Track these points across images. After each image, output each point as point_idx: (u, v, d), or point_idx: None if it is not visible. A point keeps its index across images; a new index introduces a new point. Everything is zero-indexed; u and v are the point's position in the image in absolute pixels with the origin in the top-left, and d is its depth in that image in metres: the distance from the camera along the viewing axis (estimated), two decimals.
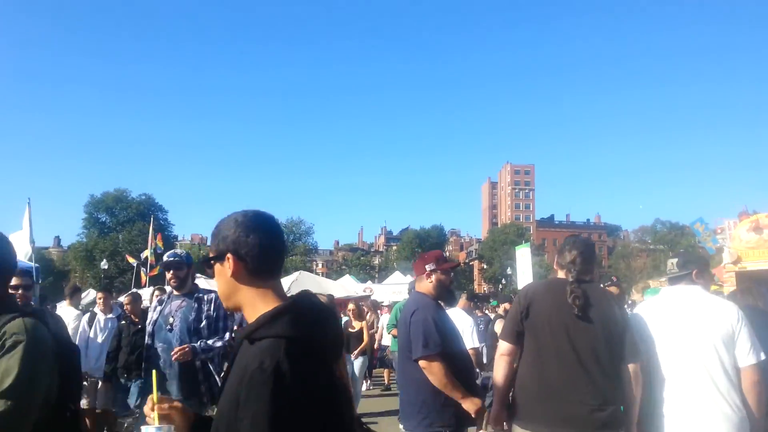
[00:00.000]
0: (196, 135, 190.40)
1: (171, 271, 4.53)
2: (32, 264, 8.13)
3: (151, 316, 4.72)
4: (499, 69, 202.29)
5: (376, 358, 15.37)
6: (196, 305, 4.51)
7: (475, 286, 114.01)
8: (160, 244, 26.95)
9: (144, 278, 29.57)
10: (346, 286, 18.79)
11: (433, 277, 3.78)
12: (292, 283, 16.01)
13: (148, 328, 4.67)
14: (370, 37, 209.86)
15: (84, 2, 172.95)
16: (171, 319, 4.47)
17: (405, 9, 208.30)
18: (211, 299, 4.57)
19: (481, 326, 9.74)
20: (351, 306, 9.90)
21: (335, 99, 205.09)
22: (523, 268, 13.76)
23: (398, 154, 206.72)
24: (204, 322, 4.48)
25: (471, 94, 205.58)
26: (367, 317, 11.51)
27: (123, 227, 73.21)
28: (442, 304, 3.89)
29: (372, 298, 18.66)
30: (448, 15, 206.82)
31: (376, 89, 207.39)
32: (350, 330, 9.30)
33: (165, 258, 4.65)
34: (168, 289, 5.45)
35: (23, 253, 8.37)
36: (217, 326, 4.55)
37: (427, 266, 3.80)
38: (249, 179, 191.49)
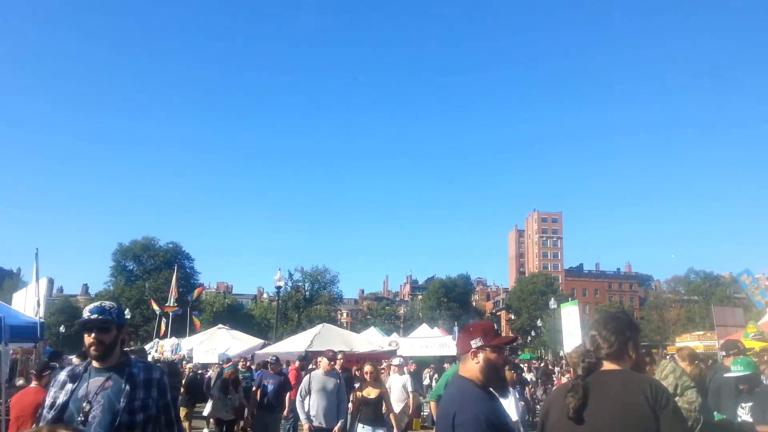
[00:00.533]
0: (223, 185, 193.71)
1: (92, 333, 3.10)
2: (37, 320, 7.82)
3: (53, 396, 3.09)
4: (525, 116, 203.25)
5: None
6: (127, 387, 3.09)
7: None
8: (195, 294, 26.66)
9: (163, 328, 29.31)
10: (370, 339, 18.18)
11: (481, 357, 2.95)
12: (315, 336, 15.51)
13: (46, 414, 3.04)
14: (399, 81, 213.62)
15: (102, 59, 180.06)
16: (86, 406, 3.00)
17: (435, 53, 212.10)
18: (153, 378, 3.22)
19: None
20: (368, 368, 8.22)
21: (363, 147, 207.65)
22: (570, 329, 12.35)
23: (425, 201, 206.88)
24: (140, 414, 3.06)
25: (499, 139, 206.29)
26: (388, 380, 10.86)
27: (150, 275, 73.77)
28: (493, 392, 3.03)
29: (398, 354, 17.98)
30: (475, 58, 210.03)
31: (405, 135, 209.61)
32: (364, 396, 7.99)
33: (84, 313, 3.16)
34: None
35: (30, 307, 8.10)
36: (160, 417, 3.19)
37: (472, 342, 2.98)
38: (275, 228, 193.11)
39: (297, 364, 12.67)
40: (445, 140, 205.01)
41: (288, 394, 10.85)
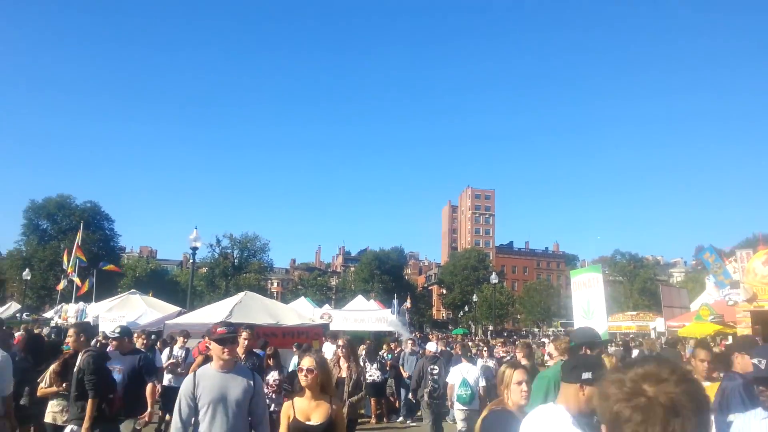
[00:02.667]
0: (147, 142, 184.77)
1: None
2: None
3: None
4: (463, 91, 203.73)
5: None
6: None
7: (434, 312, 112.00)
8: (82, 257, 23.83)
9: (86, 287, 26.62)
10: (300, 311, 16.22)
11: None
12: (236, 305, 13.47)
13: None
14: (334, 57, 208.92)
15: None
16: None
17: (370, 30, 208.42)
18: None
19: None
20: (307, 363, 4.57)
21: (296, 116, 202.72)
22: (587, 303, 8.19)
23: (359, 172, 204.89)
24: None
25: (434, 115, 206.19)
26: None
27: (65, 236, 68.80)
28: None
29: (331, 327, 16.17)
30: (414, 35, 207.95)
31: (340, 108, 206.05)
32: (298, 421, 4.46)
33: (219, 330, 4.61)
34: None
35: None
36: None
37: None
38: (204, 193, 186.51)
39: (203, 342, 9.00)
40: (383, 112, 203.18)
41: (151, 387, 7.08)
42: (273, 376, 7.90)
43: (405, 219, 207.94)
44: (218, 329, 4.55)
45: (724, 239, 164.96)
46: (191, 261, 17.25)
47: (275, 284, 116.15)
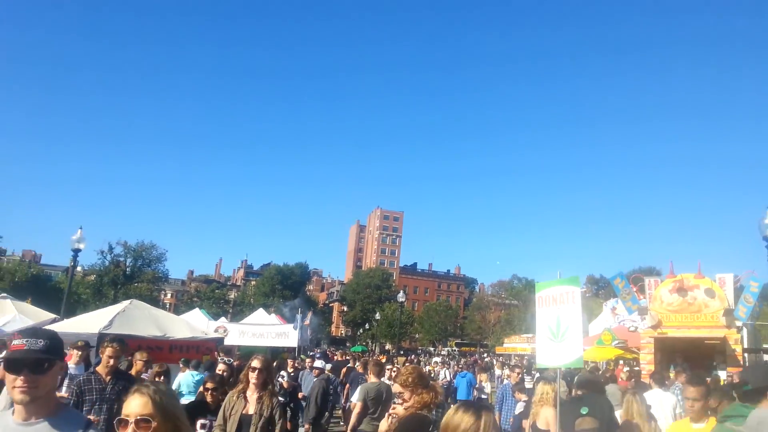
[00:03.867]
0: (39, 140, 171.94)
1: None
2: None
3: None
4: (375, 114, 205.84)
5: None
6: None
7: (333, 329, 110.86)
8: None
9: None
10: (193, 323, 14.88)
11: None
12: (118, 314, 12.08)
13: None
14: (244, 57, 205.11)
15: None
16: None
17: (278, 42, 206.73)
18: None
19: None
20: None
21: (202, 122, 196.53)
22: (558, 322, 6.26)
23: (266, 186, 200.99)
24: None
25: (347, 134, 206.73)
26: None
27: None
28: None
29: (226, 342, 14.99)
30: (328, 54, 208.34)
31: (251, 115, 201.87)
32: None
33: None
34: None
35: None
36: None
37: None
38: (96, 196, 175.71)
39: (73, 353, 8.02)
40: (296, 128, 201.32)
41: None
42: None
43: (311, 236, 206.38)
44: (13, 341, 2.35)
45: (609, 270, 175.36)
46: (72, 264, 15.45)
47: (169, 295, 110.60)
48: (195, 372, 10.43)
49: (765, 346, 18.83)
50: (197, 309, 23.90)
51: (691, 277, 13.52)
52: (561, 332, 5.98)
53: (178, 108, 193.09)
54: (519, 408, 8.77)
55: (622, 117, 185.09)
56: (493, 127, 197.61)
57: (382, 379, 8.37)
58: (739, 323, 13.95)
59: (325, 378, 10.36)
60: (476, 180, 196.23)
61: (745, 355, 14.11)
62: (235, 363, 14.23)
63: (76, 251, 15.29)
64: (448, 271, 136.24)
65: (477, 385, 16.35)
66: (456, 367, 23.72)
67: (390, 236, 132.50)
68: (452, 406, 2.84)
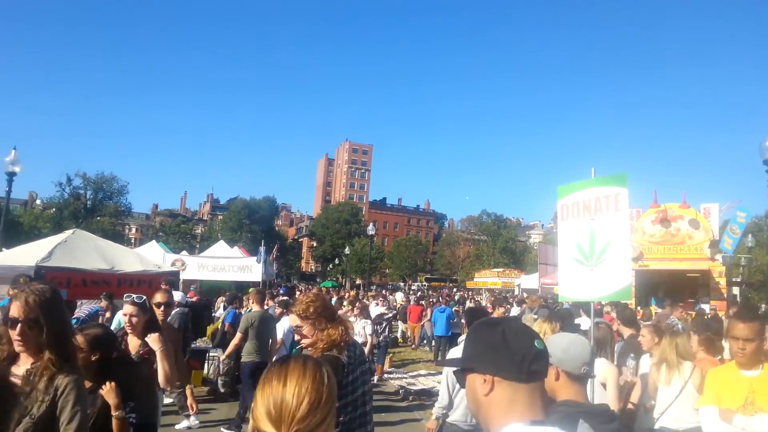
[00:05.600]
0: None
1: None
2: None
3: None
4: (345, 47, 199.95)
5: None
6: None
7: (303, 264, 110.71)
8: None
9: None
10: (146, 256, 13.68)
11: None
12: (58, 245, 10.87)
13: None
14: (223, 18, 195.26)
15: None
16: None
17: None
18: None
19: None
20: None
21: (168, 51, 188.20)
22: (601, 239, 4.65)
23: (232, 117, 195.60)
24: None
25: (316, 65, 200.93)
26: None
27: None
28: None
29: (184, 277, 13.92)
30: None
31: (218, 42, 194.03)
32: None
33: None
34: None
35: None
36: None
37: None
38: (54, 127, 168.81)
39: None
40: (264, 56, 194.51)
41: None
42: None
43: (279, 169, 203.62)
44: None
45: None
46: (8, 190, 13.99)
47: (134, 230, 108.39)
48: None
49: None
50: (153, 241, 22.57)
51: (676, 207, 12.81)
52: (597, 252, 4.44)
53: (141, 35, 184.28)
54: None
55: (594, 62, 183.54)
56: (466, 69, 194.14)
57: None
58: (721, 256, 13.48)
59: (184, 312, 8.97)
60: (446, 115, 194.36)
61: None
62: (194, 299, 13.28)
63: (11, 174, 13.81)
64: (418, 206, 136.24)
65: (455, 320, 15.73)
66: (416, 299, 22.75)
67: (359, 170, 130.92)
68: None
